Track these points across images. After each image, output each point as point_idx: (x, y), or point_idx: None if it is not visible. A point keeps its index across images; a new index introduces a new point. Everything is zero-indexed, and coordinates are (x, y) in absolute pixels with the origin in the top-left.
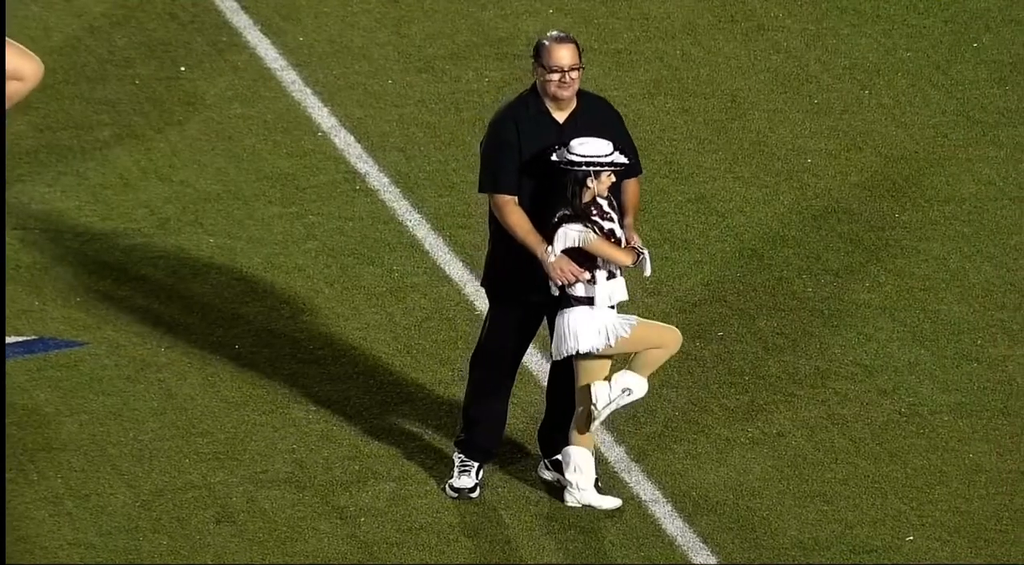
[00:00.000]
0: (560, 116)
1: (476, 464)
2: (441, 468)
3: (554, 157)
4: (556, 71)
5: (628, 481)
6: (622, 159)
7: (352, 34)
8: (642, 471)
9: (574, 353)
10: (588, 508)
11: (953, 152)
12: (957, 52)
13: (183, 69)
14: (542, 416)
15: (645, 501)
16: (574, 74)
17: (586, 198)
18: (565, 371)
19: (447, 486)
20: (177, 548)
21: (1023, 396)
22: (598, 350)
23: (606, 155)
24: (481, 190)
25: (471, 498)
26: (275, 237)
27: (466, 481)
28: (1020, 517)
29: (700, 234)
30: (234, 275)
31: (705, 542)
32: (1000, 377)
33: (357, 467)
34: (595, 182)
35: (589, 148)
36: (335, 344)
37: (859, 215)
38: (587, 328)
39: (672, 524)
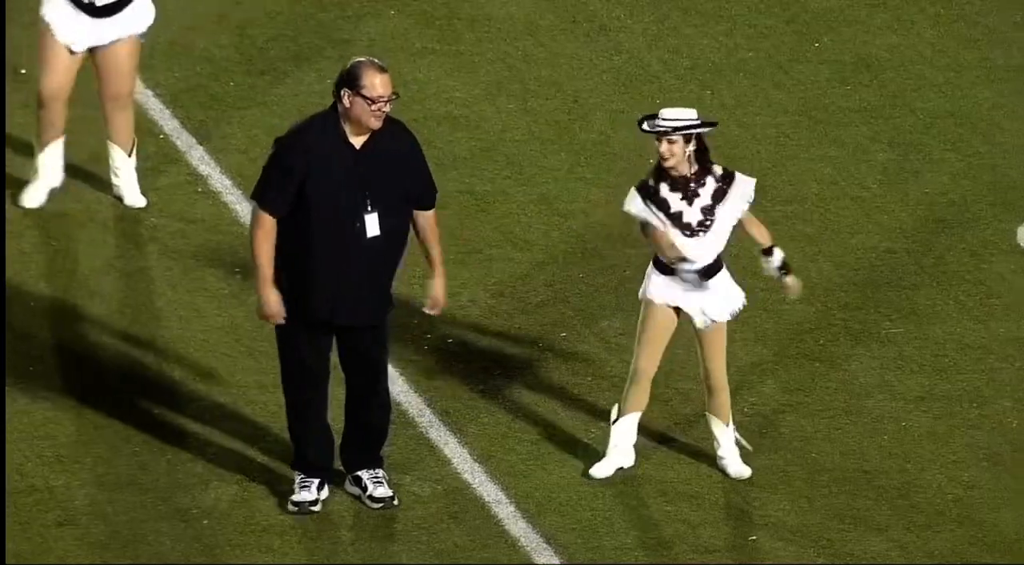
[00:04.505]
0: (358, 141)
1: (316, 480)
2: (285, 470)
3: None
4: (379, 102)
5: (472, 482)
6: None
7: (194, 36)
8: (485, 472)
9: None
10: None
11: (795, 152)
12: (799, 52)
13: (23, 71)
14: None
15: (489, 502)
16: (390, 103)
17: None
18: (358, 390)
19: (289, 502)
20: (19, 551)
21: (865, 396)
22: None
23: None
24: (251, 197)
25: (312, 511)
26: (116, 240)
27: (306, 495)
28: (862, 517)
29: (543, 235)
30: (75, 278)
31: (548, 543)
32: (843, 376)
33: (200, 469)
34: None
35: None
36: (177, 347)
37: None
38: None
39: (516, 525)
